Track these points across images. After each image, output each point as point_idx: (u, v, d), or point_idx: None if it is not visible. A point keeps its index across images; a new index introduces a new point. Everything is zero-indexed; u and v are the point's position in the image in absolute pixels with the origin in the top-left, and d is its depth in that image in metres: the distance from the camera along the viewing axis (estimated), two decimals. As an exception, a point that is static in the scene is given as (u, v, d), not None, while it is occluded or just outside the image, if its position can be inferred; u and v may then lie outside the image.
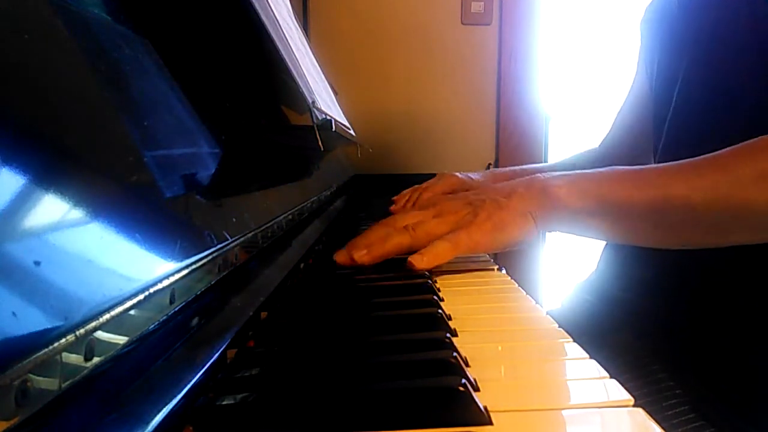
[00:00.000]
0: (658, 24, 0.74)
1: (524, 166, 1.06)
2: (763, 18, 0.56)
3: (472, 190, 0.59)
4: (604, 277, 0.77)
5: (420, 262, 0.50)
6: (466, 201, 0.55)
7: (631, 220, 0.51)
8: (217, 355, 0.29)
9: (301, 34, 0.92)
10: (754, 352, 0.57)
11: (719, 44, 0.62)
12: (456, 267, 0.56)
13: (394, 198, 0.99)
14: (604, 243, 0.81)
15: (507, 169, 1.01)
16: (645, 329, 0.65)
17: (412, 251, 0.51)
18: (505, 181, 0.57)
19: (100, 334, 0.20)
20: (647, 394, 0.57)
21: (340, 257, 0.53)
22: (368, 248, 0.53)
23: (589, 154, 0.98)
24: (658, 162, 0.71)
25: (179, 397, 0.24)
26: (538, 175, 0.56)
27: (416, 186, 0.99)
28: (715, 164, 0.48)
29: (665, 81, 0.71)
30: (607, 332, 0.68)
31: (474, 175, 0.96)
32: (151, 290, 0.25)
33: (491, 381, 0.29)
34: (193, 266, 0.30)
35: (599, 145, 0.97)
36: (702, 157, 0.49)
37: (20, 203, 0.19)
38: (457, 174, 0.97)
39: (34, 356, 0.17)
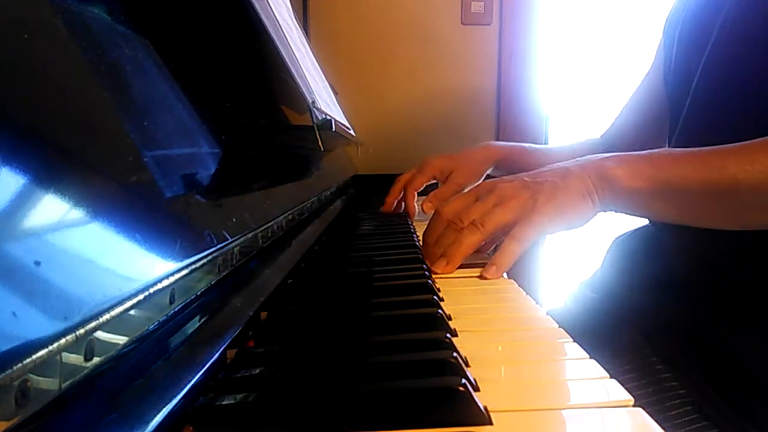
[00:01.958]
0: (678, 21, 0.74)
1: (526, 145, 1.02)
2: None
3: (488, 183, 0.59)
4: (609, 275, 0.77)
5: (495, 273, 0.52)
6: (523, 184, 0.55)
7: (691, 201, 0.52)
8: (217, 355, 0.29)
9: (301, 34, 0.92)
10: (759, 353, 0.57)
11: (738, 40, 0.61)
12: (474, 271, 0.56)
13: (387, 199, 0.98)
14: (610, 241, 0.81)
15: (504, 144, 0.98)
16: (649, 328, 0.65)
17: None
18: (553, 164, 0.58)
19: (100, 334, 0.20)
20: (651, 393, 0.57)
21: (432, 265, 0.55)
22: (447, 258, 0.54)
23: (589, 142, 0.96)
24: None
25: (179, 397, 0.24)
26: (589, 157, 0.56)
27: (401, 177, 0.97)
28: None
29: (681, 77, 0.70)
30: (611, 331, 0.67)
31: (458, 156, 0.94)
32: (151, 290, 0.25)
33: (491, 381, 0.29)
34: (193, 266, 0.30)
35: (601, 136, 0.96)
36: (756, 141, 0.50)
37: (20, 203, 0.19)
38: (439, 156, 0.94)
39: (34, 356, 0.17)
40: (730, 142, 0.56)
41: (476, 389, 0.27)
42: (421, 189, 0.96)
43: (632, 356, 0.62)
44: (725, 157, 0.50)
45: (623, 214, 0.56)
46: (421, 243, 0.61)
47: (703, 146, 0.61)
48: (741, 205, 0.50)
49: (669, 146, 0.73)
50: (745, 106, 0.60)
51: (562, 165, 0.56)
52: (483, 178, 0.94)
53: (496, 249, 0.56)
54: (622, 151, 0.75)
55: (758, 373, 0.56)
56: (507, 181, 0.56)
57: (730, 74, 0.61)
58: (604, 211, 0.55)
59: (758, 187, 0.48)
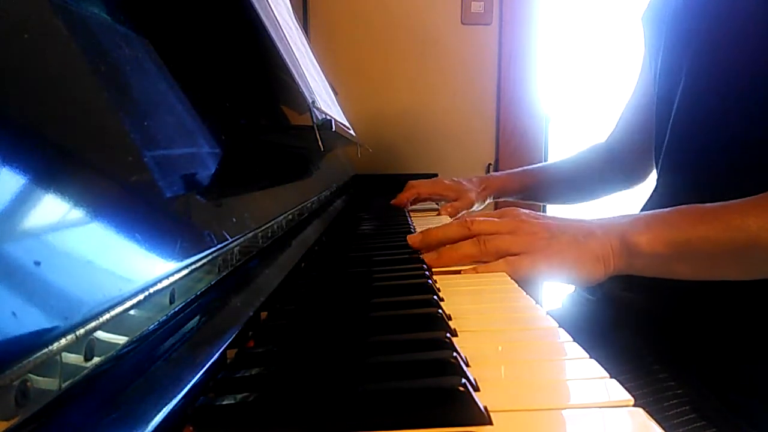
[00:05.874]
0: (661, 20, 0.74)
1: (526, 168, 1.09)
2: None
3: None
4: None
5: (473, 271, 0.54)
6: (545, 226, 0.55)
7: (711, 260, 0.53)
8: (217, 355, 0.29)
9: (301, 34, 0.92)
10: (755, 352, 0.57)
11: (726, 38, 0.61)
12: (457, 267, 0.56)
13: (400, 196, 1.09)
14: None
15: (502, 173, 1.10)
16: (646, 328, 0.65)
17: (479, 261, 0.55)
18: (583, 219, 0.58)
19: (100, 334, 0.20)
20: (648, 393, 0.57)
21: (413, 240, 0.59)
22: (439, 253, 0.56)
23: (594, 151, 1.01)
24: (663, 159, 0.71)
25: (179, 397, 0.24)
26: (614, 219, 0.56)
27: (412, 182, 1.11)
28: None
29: (668, 77, 0.70)
30: (607, 331, 0.68)
31: (465, 181, 1.07)
32: (151, 290, 0.25)
33: (491, 381, 0.29)
34: (193, 266, 0.30)
35: (605, 141, 1.00)
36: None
37: (20, 203, 0.19)
38: (445, 180, 1.09)
39: (34, 356, 0.17)
40: (725, 144, 0.56)
41: (476, 389, 0.27)
42: (422, 198, 1.10)
43: (629, 357, 0.62)
44: (745, 215, 0.51)
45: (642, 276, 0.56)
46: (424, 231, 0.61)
47: (697, 149, 0.62)
48: (760, 261, 0.52)
49: (658, 152, 0.73)
50: (737, 105, 0.60)
51: (590, 223, 0.57)
52: (486, 202, 1.10)
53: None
54: (628, 154, 0.75)
55: (755, 372, 0.56)
56: (534, 217, 0.57)
57: (719, 72, 0.62)
58: (619, 274, 0.55)
59: None
